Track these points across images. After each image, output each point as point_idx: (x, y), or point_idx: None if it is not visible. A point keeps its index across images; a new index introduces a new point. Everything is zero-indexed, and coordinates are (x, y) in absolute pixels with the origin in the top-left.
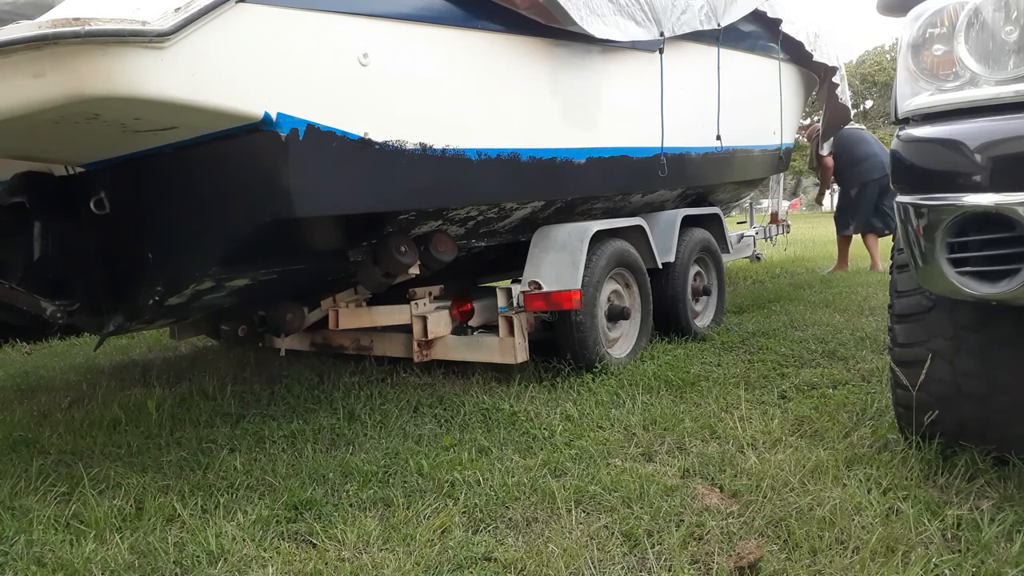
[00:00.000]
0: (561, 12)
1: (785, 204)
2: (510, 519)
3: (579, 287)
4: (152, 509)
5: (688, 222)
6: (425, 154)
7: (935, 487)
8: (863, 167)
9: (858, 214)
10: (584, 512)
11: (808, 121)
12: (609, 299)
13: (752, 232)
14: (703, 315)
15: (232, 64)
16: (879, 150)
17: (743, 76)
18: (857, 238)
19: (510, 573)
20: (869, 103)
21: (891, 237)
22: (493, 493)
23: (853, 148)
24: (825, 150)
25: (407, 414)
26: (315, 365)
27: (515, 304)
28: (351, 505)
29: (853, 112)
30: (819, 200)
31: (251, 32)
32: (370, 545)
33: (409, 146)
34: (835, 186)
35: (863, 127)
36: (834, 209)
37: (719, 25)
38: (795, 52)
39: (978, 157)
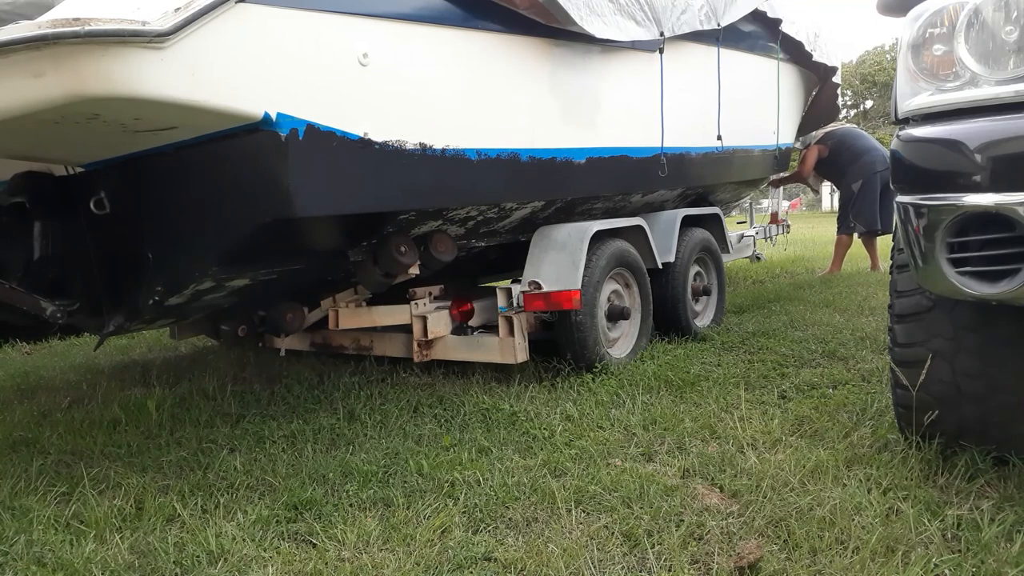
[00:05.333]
0: (561, 12)
1: (785, 204)
2: (510, 519)
3: (579, 287)
4: (152, 509)
5: (688, 222)
6: (425, 154)
7: (935, 487)
8: (866, 159)
9: (863, 210)
10: (584, 512)
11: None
12: (609, 299)
13: (752, 232)
14: (703, 315)
15: (232, 64)
16: (878, 145)
17: (743, 76)
18: (856, 241)
19: (510, 573)
20: (869, 103)
21: (891, 237)
22: (493, 493)
23: (854, 142)
24: (801, 143)
25: (407, 414)
26: (315, 365)
27: (515, 304)
28: (351, 505)
29: (853, 112)
30: (778, 184)
31: (251, 32)
32: (370, 545)
33: (409, 146)
34: (829, 184)
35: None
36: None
37: (719, 25)
38: (795, 52)
39: (978, 157)
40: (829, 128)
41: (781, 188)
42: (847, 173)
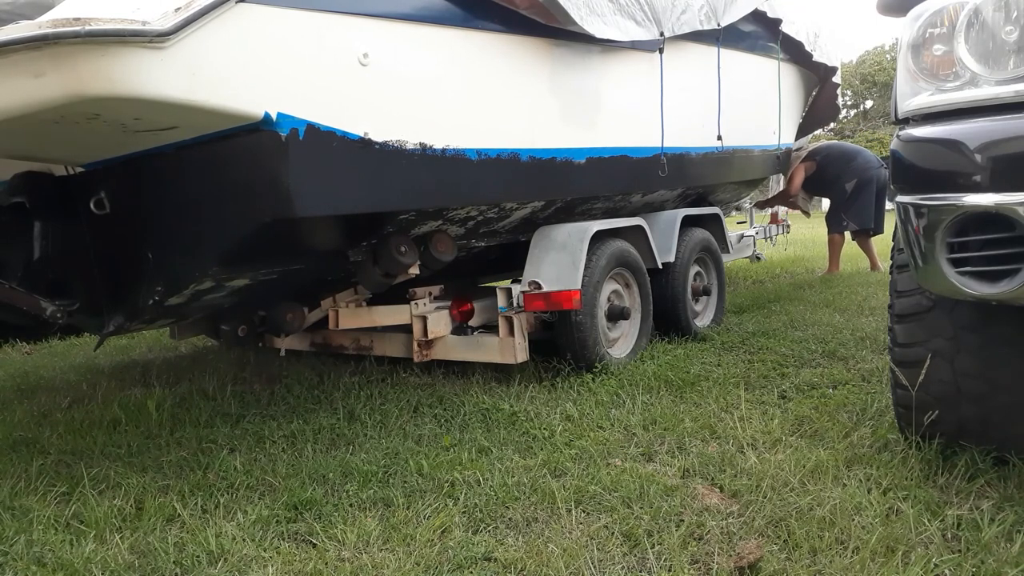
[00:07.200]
0: (561, 12)
1: None
2: (510, 519)
3: (579, 287)
4: (152, 509)
5: (688, 222)
6: (425, 154)
7: (935, 487)
8: (860, 161)
9: (855, 208)
10: (584, 512)
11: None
12: (609, 299)
13: (752, 232)
14: (703, 315)
15: (232, 64)
16: (868, 151)
17: (743, 76)
18: (851, 243)
19: (510, 573)
20: (869, 103)
21: (892, 236)
22: (493, 493)
23: (844, 149)
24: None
25: (407, 414)
26: (315, 365)
27: (515, 304)
28: (351, 505)
29: (853, 112)
30: (763, 206)
31: (251, 32)
32: (370, 545)
33: (409, 146)
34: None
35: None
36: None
37: (719, 25)
38: (795, 52)
39: (978, 157)
40: (812, 146)
41: (781, 188)
42: (842, 175)
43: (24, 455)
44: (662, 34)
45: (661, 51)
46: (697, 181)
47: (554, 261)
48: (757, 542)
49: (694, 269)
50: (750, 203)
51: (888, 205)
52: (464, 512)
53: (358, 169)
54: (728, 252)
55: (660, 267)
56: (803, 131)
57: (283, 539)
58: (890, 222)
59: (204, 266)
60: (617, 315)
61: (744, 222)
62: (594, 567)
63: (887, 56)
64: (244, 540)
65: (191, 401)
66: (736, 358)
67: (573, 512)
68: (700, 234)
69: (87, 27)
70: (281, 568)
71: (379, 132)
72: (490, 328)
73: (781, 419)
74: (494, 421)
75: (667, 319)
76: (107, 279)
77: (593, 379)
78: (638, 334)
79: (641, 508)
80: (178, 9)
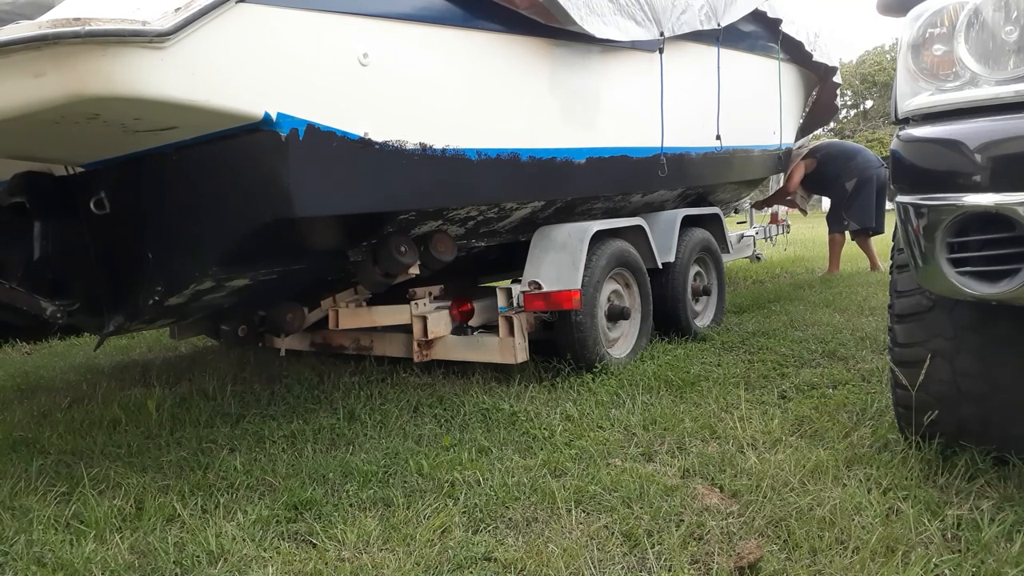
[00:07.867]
0: (561, 12)
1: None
2: (510, 519)
3: (579, 287)
4: (152, 509)
5: (688, 222)
6: (425, 154)
7: (935, 487)
8: (860, 160)
9: (856, 208)
10: (584, 512)
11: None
12: (609, 299)
13: (752, 232)
14: (703, 315)
15: (232, 64)
16: (867, 149)
17: (743, 76)
18: (851, 243)
19: (510, 573)
20: (869, 103)
21: (892, 236)
22: (493, 493)
23: (843, 147)
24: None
25: (407, 414)
26: (315, 365)
27: (515, 304)
28: (351, 505)
29: (853, 112)
30: (761, 206)
31: (251, 32)
32: (370, 545)
33: (409, 146)
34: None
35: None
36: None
37: (719, 25)
38: (795, 52)
39: (978, 157)
40: (812, 144)
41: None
42: (842, 174)
43: (24, 455)
44: (662, 34)
45: (661, 51)
46: (697, 181)
47: (554, 261)
48: (757, 542)
49: (694, 269)
50: (750, 202)
51: (888, 205)
52: (464, 512)
53: (358, 169)
54: (728, 252)
55: (660, 267)
56: (803, 131)
57: (283, 539)
58: (890, 222)
59: (204, 266)
60: (617, 315)
61: (744, 222)
62: (594, 567)
63: (887, 56)
64: (244, 540)
65: (191, 401)
66: (736, 358)
67: (573, 512)
68: (700, 234)
69: (87, 27)
70: (281, 568)
71: (379, 132)
72: (490, 328)
73: (781, 419)
74: (494, 421)
75: (667, 319)
76: (107, 279)
77: (593, 379)
78: (638, 334)
79: (641, 508)
80: (178, 9)
